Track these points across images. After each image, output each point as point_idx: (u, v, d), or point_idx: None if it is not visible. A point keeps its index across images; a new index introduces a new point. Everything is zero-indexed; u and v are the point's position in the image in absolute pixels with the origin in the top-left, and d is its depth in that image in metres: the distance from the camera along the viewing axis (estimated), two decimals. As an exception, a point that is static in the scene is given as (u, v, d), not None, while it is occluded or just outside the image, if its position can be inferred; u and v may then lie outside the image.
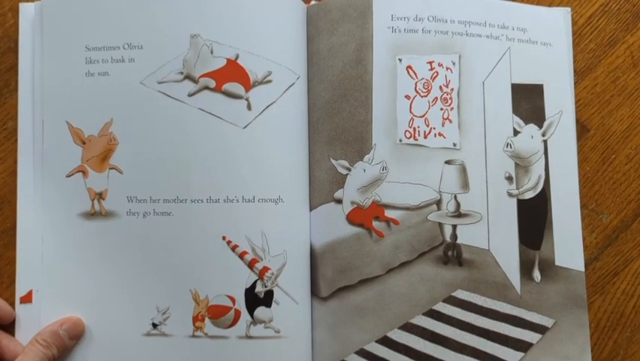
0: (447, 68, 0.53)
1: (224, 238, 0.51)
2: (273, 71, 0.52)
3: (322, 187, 0.52)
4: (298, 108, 0.53)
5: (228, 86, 0.52)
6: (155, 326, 0.51)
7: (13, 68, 0.54)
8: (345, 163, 0.51)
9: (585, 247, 0.53)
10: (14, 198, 0.53)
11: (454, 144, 0.52)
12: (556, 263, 0.52)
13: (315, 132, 0.53)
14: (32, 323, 0.51)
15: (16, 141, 0.53)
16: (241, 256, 0.51)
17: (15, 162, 0.53)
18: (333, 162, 0.52)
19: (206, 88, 0.52)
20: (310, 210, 0.52)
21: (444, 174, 0.51)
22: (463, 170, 0.51)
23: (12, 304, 0.52)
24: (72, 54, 0.53)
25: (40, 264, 0.52)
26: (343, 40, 0.52)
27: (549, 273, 0.52)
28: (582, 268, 0.52)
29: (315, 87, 0.53)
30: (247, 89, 0.52)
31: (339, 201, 0.51)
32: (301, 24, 0.54)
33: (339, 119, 0.52)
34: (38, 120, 0.53)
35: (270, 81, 0.52)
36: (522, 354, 0.50)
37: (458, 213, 0.51)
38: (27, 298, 0.52)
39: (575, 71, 0.55)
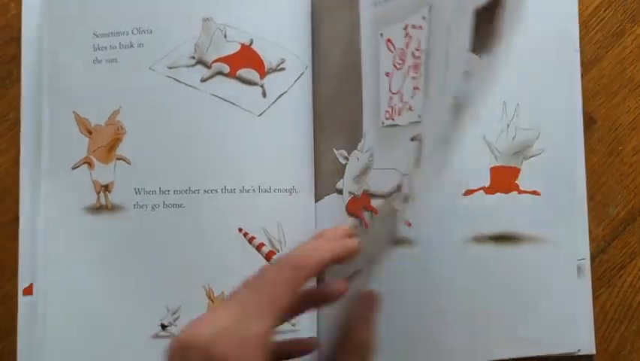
0: (419, 27, 0.46)
1: (240, 230, 0.50)
2: (285, 58, 0.51)
3: (327, 178, 0.51)
4: (306, 99, 0.52)
5: (243, 72, 0.51)
6: (164, 327, 0.49)
7: (16, 58, 0.53)
8: (345, 153, 0.50)
9: (592, 240, 0.53)
10: (17, 189, 0.51)
11: (419, 116, 0.45)
12: None
13: (319, 123, 0.52)
14: (33, 316, 0.49)
15: (18, 131, 0.52)
16: (258, 248, 0.49)
17: (18, 153, 0.51)
18: (335, 151, 0.51)
19: (220, 73, 0.51)
20: (315, 201, 0.52)
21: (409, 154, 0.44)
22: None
23: (14, 296, 0.49)
24: (79, 41, 0.51)
25: (43, 257, 0.49)
26: (340, 28, 0.51)
27: None
28: None
29: (319, 78, 0.52)
30: (262, 76, 0.51)
31: (340, 192, 0.50)
32: (306, 13, 0.53)
33: (340, 109, 0.51)
34: (43, 110, 0.51)
35: (283, 69, 0.51)
36: None
37: None
38: (29, 291, 0.49)
39: (581, 62, 0.54)
